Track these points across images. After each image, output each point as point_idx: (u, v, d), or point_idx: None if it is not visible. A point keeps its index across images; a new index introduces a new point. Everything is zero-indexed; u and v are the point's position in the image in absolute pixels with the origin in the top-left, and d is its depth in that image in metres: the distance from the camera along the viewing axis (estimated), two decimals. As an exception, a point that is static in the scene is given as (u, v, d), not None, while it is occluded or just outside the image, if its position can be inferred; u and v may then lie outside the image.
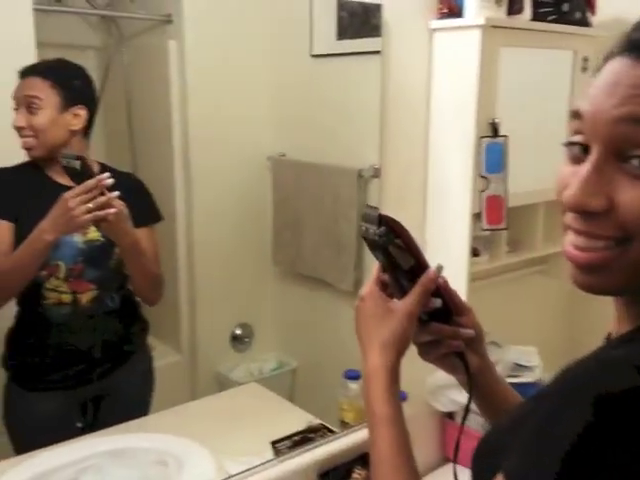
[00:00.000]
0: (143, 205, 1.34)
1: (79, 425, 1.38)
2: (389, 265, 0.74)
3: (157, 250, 1.47)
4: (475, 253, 1.61)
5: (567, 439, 0.41)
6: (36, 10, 1.69)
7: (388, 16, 1.43)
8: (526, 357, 1.64)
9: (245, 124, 2.16)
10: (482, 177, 1.52)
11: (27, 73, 1.30)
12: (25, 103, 1.27)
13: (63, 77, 1.35)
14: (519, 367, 1.62)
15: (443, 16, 1.48)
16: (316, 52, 2.03)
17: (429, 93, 1.52)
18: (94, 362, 1.40)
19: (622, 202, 0.49)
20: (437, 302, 0.76)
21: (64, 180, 1.32)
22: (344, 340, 2.06)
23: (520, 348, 1.66)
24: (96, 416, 1.43)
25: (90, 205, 1.19)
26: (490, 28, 1.44)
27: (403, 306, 0.72)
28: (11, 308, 1.35)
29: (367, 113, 1.59)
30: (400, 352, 0.72)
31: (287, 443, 1.34)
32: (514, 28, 1.51)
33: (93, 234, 1.33)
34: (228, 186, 2.14)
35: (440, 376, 1.42)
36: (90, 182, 1.19)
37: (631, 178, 0.49)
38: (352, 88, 1.86)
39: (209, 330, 2.21)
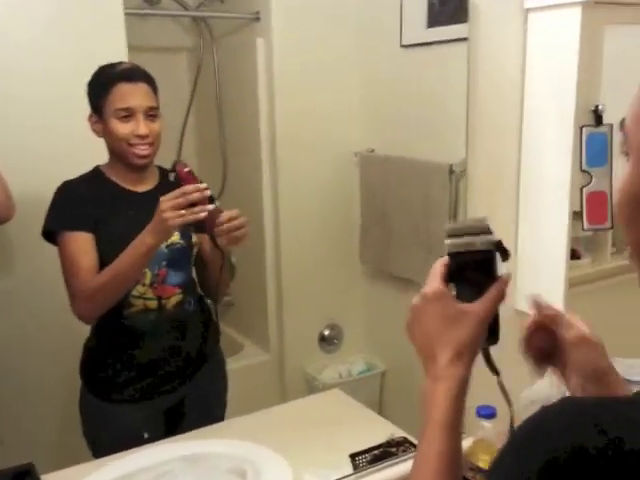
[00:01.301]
0: None
1: (148, 436, 1.33)
2: (480, 274, 0.71)
3: None
4: (575, 255, 1.47)
5: None
6: (128, 14, 1.73)
7: (476, -3, 1.32)
8: (636, 371, 1.47)
9: (333, 120, 2.11)
10: (583, 171, 1.38)
11: (136, 79, 1.30)
12: (144, 111, 1.29)
13: (155, 84, 1.35)
14: (628, 382, 1.45)
15: (539, -7, 1.35)
16: (406, 42, 1.94)
17: (523, 79, 1.39)
18: (176, 369, 1.39)
19: None
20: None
21: (132, 186, 1.34)
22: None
23: (628, 361, 1.49)
24: (176, 423, 1.41)
25: (183, 211, 1.19)
26: (593, 4, 1.29)
27: (478, 310, 0.68)
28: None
29: (459, 104, 1.49)
30: (473, 359, 0.68)
31: (367, 457, 1.26)
32: (621, 4, 1.35)
33: (173, 237, 1.33)
34: (315, 184, 2.11)
35: (536, 390, 1.29)
36: (187, 188, 1.19)
37: None
38: (443, 78, 1.76)
39: (297, 330, 2.19)
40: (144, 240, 1.22)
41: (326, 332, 2.23)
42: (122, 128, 1.27)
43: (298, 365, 2.19)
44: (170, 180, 1.24)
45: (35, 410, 1.64)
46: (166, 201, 1.19)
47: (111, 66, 1.31)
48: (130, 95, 1.28)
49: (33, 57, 1.58)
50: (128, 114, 1.27)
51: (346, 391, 1.52)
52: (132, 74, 1.30)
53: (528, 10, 1.37)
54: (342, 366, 2.19)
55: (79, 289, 1.26)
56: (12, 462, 1.15)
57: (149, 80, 1.32)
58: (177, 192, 1.19)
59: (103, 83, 1.29)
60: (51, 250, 1.30)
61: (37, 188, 1.42)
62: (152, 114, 1.30)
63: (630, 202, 0.46)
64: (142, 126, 1.28)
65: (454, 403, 0.65)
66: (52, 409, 1.66)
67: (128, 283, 1.28)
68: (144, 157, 1.30)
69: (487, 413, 1.26)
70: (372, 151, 2.09)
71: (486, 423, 1.25)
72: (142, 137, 1.28)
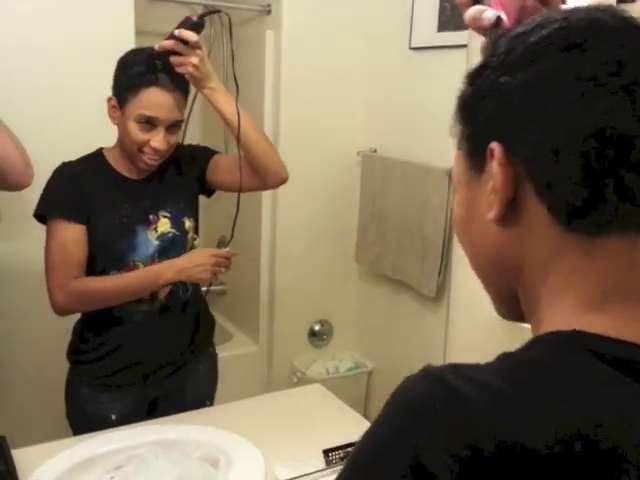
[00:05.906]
0: (201, 149, 1.39)
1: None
2: None
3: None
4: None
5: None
6: (138, -1, 1.74)
7: (479, 5, 1.32)
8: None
9: (338, 117, 2.11)
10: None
11: (173, 87, 1.16)
12: (168, 124, 1.18)
13: (189, 89, 1.22)
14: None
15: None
16: (415, 45, 1.94)
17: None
18: (165, 360, 1.35)
19: None
20: None
21: (130, 174, 1.28)
22: (422, 347, 1.97)
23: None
24: (160, 414, 1.35)
25: (222, 270, 1.25)
26: (596, 18, 1.29)
27: None
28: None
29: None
30: None
31: (340, 453, 1.27)
32: (626, 18, 1.35)
33: (164, 227, 1.30)
34: (316, 180, 2.10)
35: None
36: (230, 253, 1.26)
37: None
38: (450, 83, 1.73)
39: (288, 323, 2.20)
40: (164, 274, 1.22)
41: (316, 327, 2.24)
42: (139, 135, 1.17)
43: (286, 358, 2.20)
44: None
45: (18, 388, 1.65)
46: (212, 256, 1.22)
47: (151, 60, 1.16)
48: (159, 106, 1.15)
49: (40, 38, 1.59)
50: (150, 123, 1.16)
51: (332, 387, 1.51)
52: (169, 81, 1.16)
53: (531, 20, 1.38)
54: (330, 362, 2.19)
55: (65, 282, 1.21)
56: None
57: (184, 88, 1.20)
58: (224, 252, 1.24)
59: (135, 78, 1.16)
60: (37, 230, 1.28)
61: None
62: (175, 126, 1.20)
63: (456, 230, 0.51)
64: (160, 140, 1.17)
65: None
66: (37, 388, 1.68)
67: (123, 301, 1.26)
68: (151, 166, 1.23)
69: None
70: (374, 151, 2.09)
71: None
72: (156, 150, 1.19)
